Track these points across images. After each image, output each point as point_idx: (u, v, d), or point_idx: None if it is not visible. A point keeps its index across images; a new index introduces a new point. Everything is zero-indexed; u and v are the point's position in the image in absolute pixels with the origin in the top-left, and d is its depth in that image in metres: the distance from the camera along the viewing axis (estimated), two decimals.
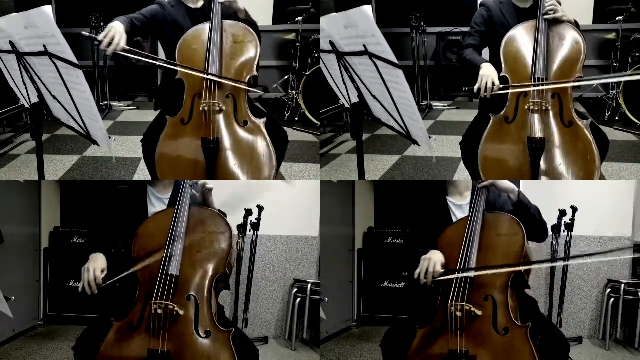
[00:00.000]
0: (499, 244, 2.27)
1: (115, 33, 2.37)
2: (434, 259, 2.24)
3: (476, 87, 2.54)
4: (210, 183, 2.38)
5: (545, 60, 2.56)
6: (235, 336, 2.13)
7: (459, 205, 2.49)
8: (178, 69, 2.54)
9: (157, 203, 2.42)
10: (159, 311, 2.06)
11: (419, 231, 2.49)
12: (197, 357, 2.07)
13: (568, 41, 2.60)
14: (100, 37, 2.37)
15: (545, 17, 2.60)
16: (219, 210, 2.38)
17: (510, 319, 2.16)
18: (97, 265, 2.16)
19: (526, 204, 2.37)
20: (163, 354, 2.05)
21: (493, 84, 2.51)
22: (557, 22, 2.62)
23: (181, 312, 2.09)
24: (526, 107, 2.57)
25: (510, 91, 2.57)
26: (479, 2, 2.87)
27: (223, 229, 2.25)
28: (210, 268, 2.19)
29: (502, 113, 2.65)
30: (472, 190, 2.46)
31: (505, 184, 2.39)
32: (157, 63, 2.57)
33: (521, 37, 2.63)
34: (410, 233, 2.60)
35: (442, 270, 2.23)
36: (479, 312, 2.16)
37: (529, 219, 2.33)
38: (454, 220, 2.46)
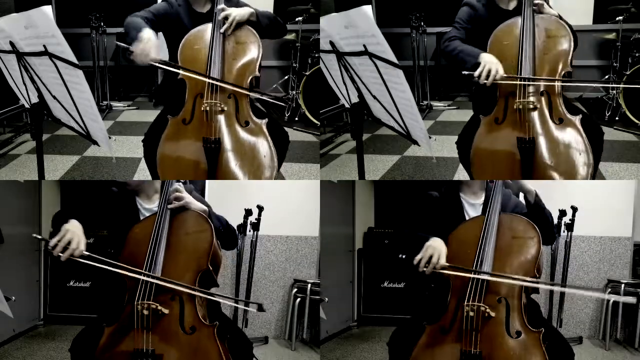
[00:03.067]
0: (514, 245, 2.23)
1: (148, 43, 2.41)
2: (440, 249, 2.19)
3: (477, 72, 2.47)
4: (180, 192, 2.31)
5: (532, 57, 2.54)
6: (221, 330, 2.15)
7: (473, 204, 2.46)
8: (184, 72, 2.53)
9: (147, 213, 2.41)
10: (145, 312, 2.09)
11: (429, 226, 2.42)
12: (184, 353, 2.12)
13: (554, 37, 2.57)
14: (132, 48, 2.39)
15: (534, 7, 2.57)
16: (202, 201, 2.37)
17: (524, 322, 2.14)
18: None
19: (542, 207, 2.35)
20: (148, 352, 2.09)
21: (497, 71, 2.46)
22: (542, 17, 2.59)
23: (165, 311, 2.12)
24: (515, 107, 2.53)
25: (510, 82, 2.50)
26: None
27: (203, 228, 2.25)
28: (193, 267, 2.21)
29: (491, 114, 2.62)
30: (487, 190, 2.43)
31: (527, 184, 2.36)
32: (181, 72, 2.53)
33: (507, 35, 2.59)
34: (417, 225, 2.48)
35: (447, 264, 2.18)
36: (493, 314, 2.13)
37: (542, 222, 2.30)
38: (467, 218, 2.43)
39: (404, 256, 2.26)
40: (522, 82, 2.51)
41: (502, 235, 2.25)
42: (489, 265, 2.19)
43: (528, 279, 2.18)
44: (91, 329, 2.22)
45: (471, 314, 2.12)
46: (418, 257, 2.20)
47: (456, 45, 2.65)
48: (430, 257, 2.18)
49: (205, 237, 2.23)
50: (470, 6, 2.76)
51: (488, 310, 2.13)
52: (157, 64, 2.45)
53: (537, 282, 2.23)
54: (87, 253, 2.10)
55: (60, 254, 2.07)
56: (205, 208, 2.34)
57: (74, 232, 2.10)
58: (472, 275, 2.17)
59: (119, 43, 2.42)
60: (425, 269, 2.19)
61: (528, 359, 2.10)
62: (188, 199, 2.27)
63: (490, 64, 2.47)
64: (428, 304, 2.36)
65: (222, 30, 2.59)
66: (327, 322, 4.05)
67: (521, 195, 2.46)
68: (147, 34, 2.44)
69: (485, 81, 2.47)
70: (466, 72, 2.51)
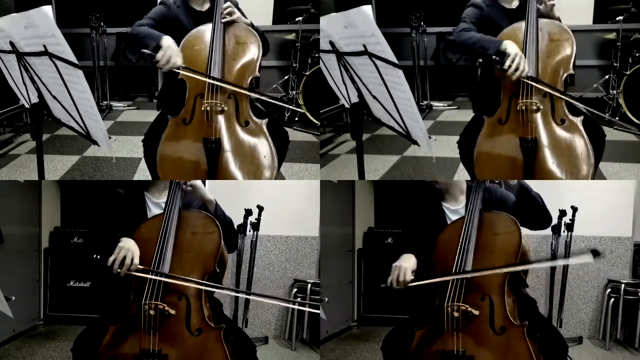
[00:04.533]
0: (495, 243, 2.26)
1: (170, 51, 2.47)
2: (404, 267, 2.25)
3: (507, 64, 2.45)
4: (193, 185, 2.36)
5: (535, 60, 2.55)
6: (227, 333, 2.16)
7: (454, 210, 2.48)
8: (183, 72, 2.53)
9: (154, 208, 2.42)
10: (151, 312, 2.10)
11: (414, 233, 2.48)
12: (188, 354, 2.12)
13: (557, 40, 2.58)
14: (157, 56, 2.46)
15: (539, 6, 2.58)
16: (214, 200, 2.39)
17: (507, 318, 2.16)
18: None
19: (527, 188, 2.36)
20: (154, 352, 2.09)
21: (524, 69, 2.46)
22: (545, 19, 2.61)
23: (172, 312, 2.12)
24: (518, 108, 2.56)
25: (534, 84, 2.51)
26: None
27: (211, 229, 2.26)
28: (200, 268, 2.21)
29: (495, 115, 2.65)
30: (467, 192, 2.46)
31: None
32: (181, 72, 2.53)
33: (512, 38, 2.60)
34: (405, 234, 2.60)
35: (412, 277, 2.23)
36: (476, 312, 2.15)
37: (532, 205, 2.32)
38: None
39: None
40: (547, 90, 2.51)
41: (483, 234, 2.28)
42: (470, 264, 2.21)
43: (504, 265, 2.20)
44: (95, 328, 2.22)
45: (455, 314, 2.15)
46: (388, 280, 2.27)
47: (472, 35, 2.63)
48: (398, 277, 2.24)
49: (213, 239, 2.24)
50: (476, 6, 2.78)
51: (471, 309, 2.15)
52: (180, 71, 2.48)
53: (509, 267, 2.22)
54: (142, 267, 2.16)
55: (119, 270, 2.14)
56: (212, 200, 2.36)
57: (128, 248, 2.16)
58: (453, 277, 2.19)
59: (144, 51, 2.47)
60: (399, 287, 2.25)
61: (513, 353, 2.12)
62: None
63: (521, 58, 2.46)
64: (417, 308, 2.37)
65: (223, 21, 2.61)
66: (327, 322, 4.05)
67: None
68: (167, 41, 2.49)
69: (513, 74, 2.46)
70: (496, 58, 2.48)
